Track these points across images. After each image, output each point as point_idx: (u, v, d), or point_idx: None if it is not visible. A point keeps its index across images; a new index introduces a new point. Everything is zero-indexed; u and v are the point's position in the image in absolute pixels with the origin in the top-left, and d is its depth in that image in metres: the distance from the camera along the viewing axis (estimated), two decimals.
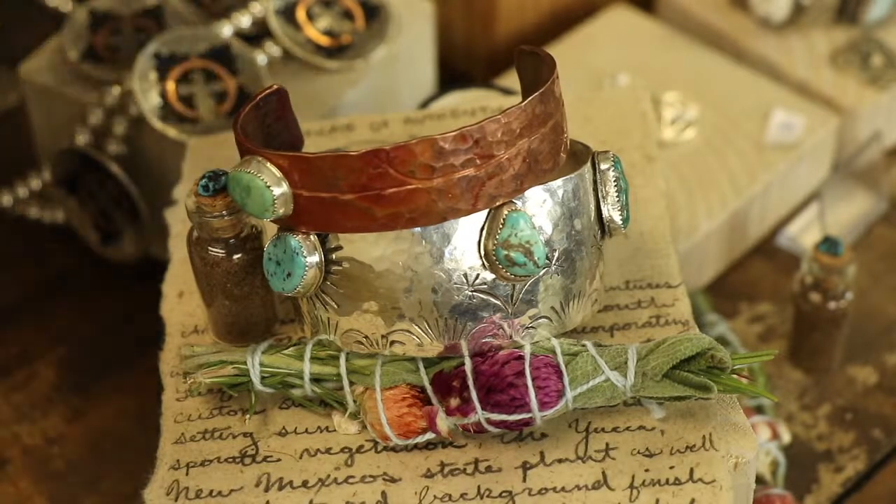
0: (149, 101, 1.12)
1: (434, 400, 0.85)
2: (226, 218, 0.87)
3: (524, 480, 0.84)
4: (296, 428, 0.88)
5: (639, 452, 0.85)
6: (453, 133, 0.80)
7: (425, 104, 1.13)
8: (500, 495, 0.84)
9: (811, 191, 1.26)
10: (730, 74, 1.28)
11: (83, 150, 1.13)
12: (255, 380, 0.88)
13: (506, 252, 0.82)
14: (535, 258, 0.82)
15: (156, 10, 1.19)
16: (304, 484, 0.85)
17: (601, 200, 0.87)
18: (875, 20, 1.32)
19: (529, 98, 0.83)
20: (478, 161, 0.81)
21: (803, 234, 1.24)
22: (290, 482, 0.85)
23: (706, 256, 1.18)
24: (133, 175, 1.15)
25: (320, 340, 0.87)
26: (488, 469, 0.85)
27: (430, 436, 0.86)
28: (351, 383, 0.87)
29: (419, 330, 0.84)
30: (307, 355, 0.87)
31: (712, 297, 1.19)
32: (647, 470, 0.84)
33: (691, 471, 0.84)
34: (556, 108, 0.85)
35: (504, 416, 0.84)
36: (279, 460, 0.87)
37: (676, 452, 0.85)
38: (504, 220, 0.82)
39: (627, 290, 0.94)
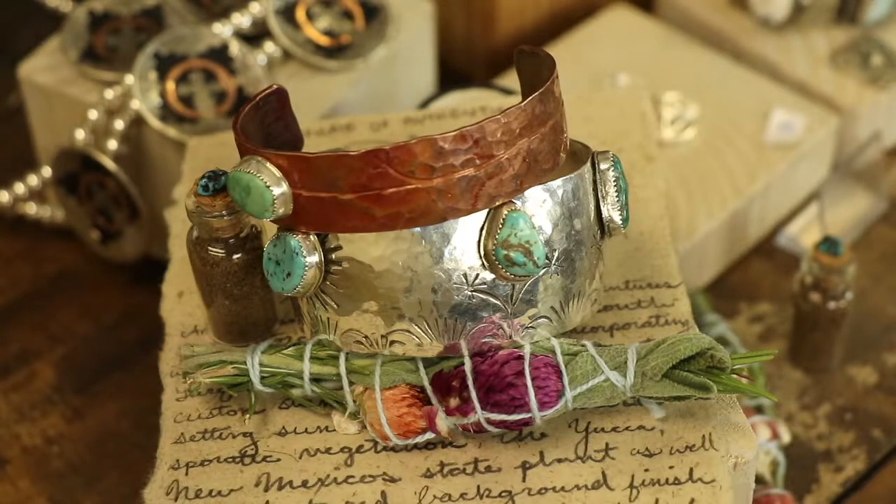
0: (148, 100, 1.12)
1: (434, 400, 0.85)
2: (225, 218, 0.87)
3: (524, 480, 0.84)
4: (295, 428, 0.88)
5: (638, 452, 0.85)
6: (453, 133, 0.80)
7: (425, 104, 1.13)
8: (499, 495, 0.84)
9: (811, 191, 1.26)
10: (730, 74, 1.28)
11: (83, 150, 1.13)
12: (255, 380, 0.88)
13: (505, 252, 0.82)
14: (535, 258, 0.82)
15: (155, 10, 1.19)
16: (304, 484, 0.85)
17: (601, 200, 0.87)
18: (875, 20, 1.32)
19: (529, 98, 0.83)
20: (477, 161, 0.81)
21: (803, 234, 1.23)
22: (290, 482, 0.85)
23: (706, 256, 1.18)
24: (133, 175, 1.15)
25: (320, 340, 0.87)
26: (488, 469, 0.85)
27: (429, 436, 0.86)
28: (350, 383, 0.87)
29: (419, 330, 0.84)
30: (307, 355, 0.87)
31: (712, 297, 1.19)
32: (646, 470, 0.84)
33: (691, 471, 0.84)
34: (555, 108, 0.85)
35: (504, 416, 0.84)
36: (279, 460, 0.87)
37: (676, 452, 0.85)
38: (504, 219, 0.82)
39: (627, 290, 0.94)
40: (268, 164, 0.83)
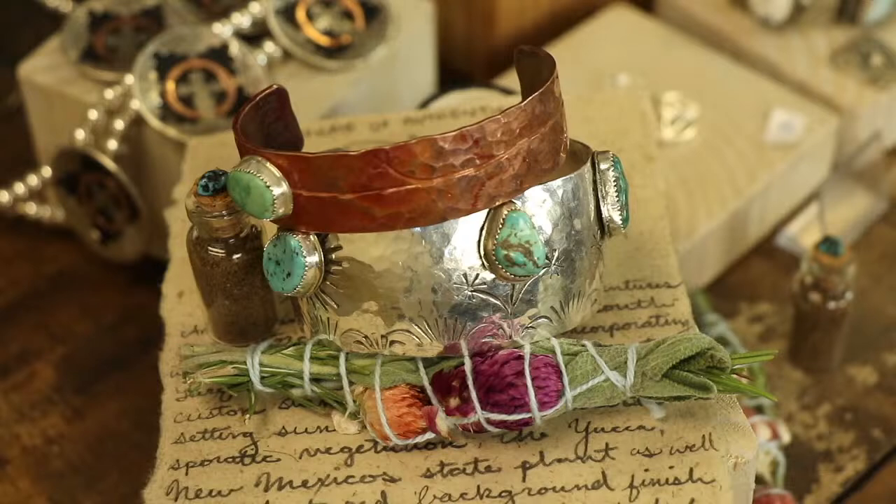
0: (148, 101, 1.12)
1: (434, 400, 0.85)
2: (225, 218, 0.87)
3: (524, 480, 0.84)
4: (295, 428, 0.88)
5: (638, 452, 0.85)
6: (453, 133, 0.80)
7: (425, 104, 1.13)
8: (499, 495, 0.84)
9: (811, 191, 1.26)
10: (730, 74, 1.28)
11: (83, 150, 1.13)
12: (255, 380, 0.88)
13: (505, 252, 0.82)
14: (535, 258, 0.82)
15: (155, 10, 1.19)
16: (304, 484, 0.85)
17: (601, 200, 0.87)
18: (875, 20, 1.32)
19: (529, 98, 0.83)
20: (477, 161, 0.81)
21: (803, 234, 1.24)
22: (290, 482, 0.85)
23: (706, 256, 1.18)
24: (133, 175, 1.15)
25: (320, 340, 0.87)
26: (488, 469, 0.85)
27: (429, 436, 0.86)
28: (350, 383, 0.87)
29: (419, 330, 0.84)
30: (307, 355, 0.87)
31: (712, 297, 1.19)
32: (646, 470, 0.84)
33: (691, 471, 0.84)
34: (555, 107, 0.85)
35: (504, 416, 0.84)
36: (279, 460, 0.87)
37: (676, 452, 0.85)
38: (504, 219, 0.82)
39: (627, 290, 0.94)
40: (268, 164, 0.83)
